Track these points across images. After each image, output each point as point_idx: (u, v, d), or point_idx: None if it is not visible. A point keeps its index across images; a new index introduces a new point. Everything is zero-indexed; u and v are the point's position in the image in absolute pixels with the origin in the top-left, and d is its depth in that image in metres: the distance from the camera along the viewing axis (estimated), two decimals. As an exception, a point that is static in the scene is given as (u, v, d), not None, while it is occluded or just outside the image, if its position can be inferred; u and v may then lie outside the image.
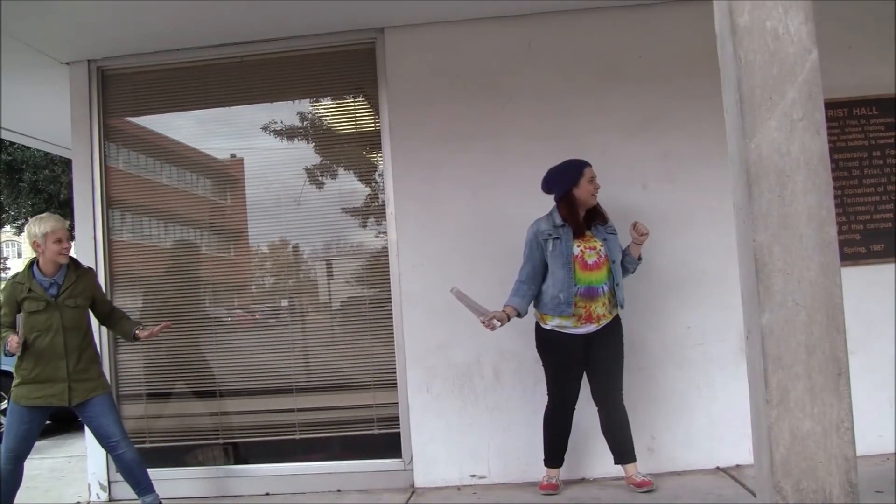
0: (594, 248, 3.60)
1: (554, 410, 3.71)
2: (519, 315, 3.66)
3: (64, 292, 3.47)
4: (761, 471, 1.96)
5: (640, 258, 3.71)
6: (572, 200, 3.64)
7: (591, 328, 3.59)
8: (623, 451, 3.67)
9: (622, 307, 3.66)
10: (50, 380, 3.43)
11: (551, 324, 3.64)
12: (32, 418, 3.48)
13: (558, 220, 3.65)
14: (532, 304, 3.71)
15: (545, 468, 3.77)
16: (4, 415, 6.94)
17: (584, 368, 3.67)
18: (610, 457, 3.74)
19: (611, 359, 3.65)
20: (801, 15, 1.92)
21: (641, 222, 3.61)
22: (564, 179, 3.66)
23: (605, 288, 3.58)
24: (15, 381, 3.45)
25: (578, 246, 3.60)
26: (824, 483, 1.85)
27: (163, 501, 3.70)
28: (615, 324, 3.68)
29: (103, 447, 3.68)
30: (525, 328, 4.10)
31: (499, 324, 3.58)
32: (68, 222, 3.70)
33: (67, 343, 3.44)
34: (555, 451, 3.74)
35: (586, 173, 3.64)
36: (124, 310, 3.91)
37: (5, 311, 3.43)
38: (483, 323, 3.58)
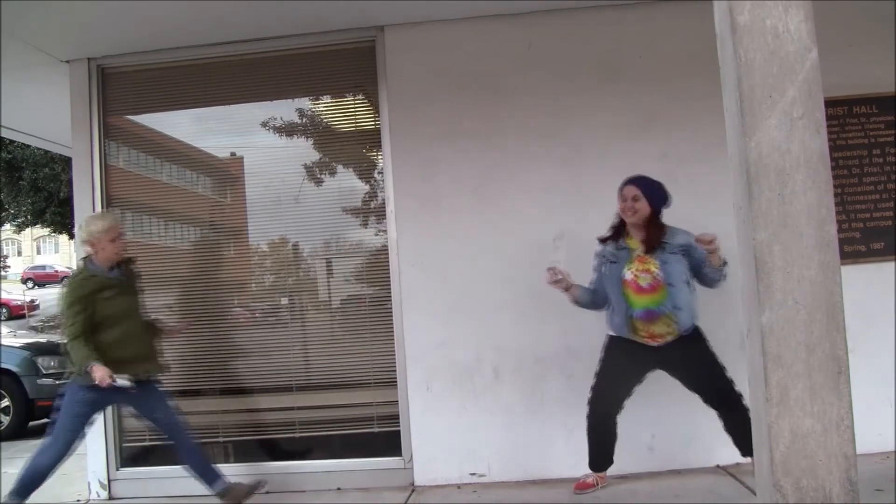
0: (649, 272, 3.44)
1: (593, 415, 3.62)
2: (577, 300, 3.61)
3: (126, 281, 3.69)
4: (761, 469, 1.97)
5: (723, 263, 3.38)
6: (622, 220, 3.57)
7: (658, 342, 3.48)
8: (747, 444, 3.60)
9: (685, 330, 3.45)
10: (131, 361, 3.54)
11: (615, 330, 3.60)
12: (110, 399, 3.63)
13: (622, 242, 3.55)
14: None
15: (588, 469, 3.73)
16: (5, 413, 7.01)
17: (638, 381, 3.57)
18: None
19: (703, 368, 3.48)
20: (801, 13, 1.92)
21: (704, 232, 3.29)
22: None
23: (666, 309, 3.42)
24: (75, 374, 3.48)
25: (631, 270, 3.48)
26: (824, 481, 1.86)
27: (164, 499, 3.69)
28: (690, 338, 3.47)
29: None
30: (525, 328, 4.11)
31: (556, 277, 3.51)
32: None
33: (140, 326, 3.71)
34: (598, 455, 3.68)
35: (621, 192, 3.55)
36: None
37: (80, 309, 3.46)
38: (549, 271, 3.53)
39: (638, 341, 3.50)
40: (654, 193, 3.49)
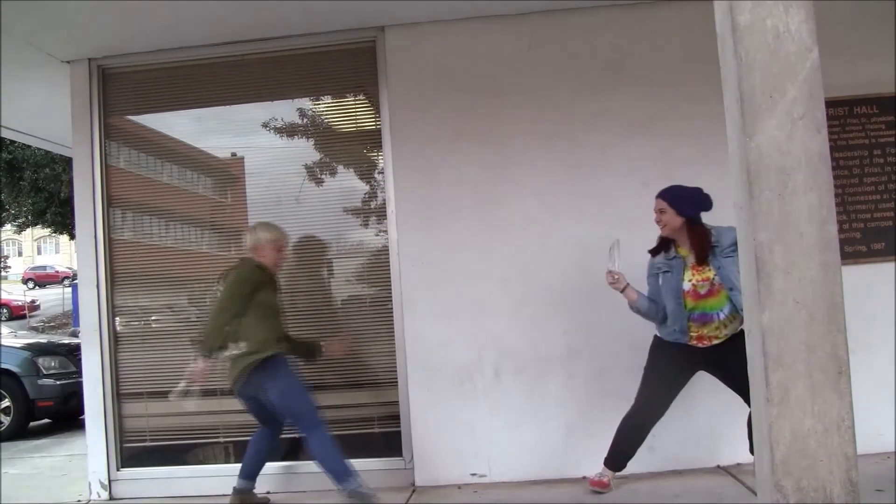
0: (707, 279, 3.39)
1: (634, 414, 3.59)
2: (637, 306, 3.54)
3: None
4: (762, 469, 1.96)
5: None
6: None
7: (704, 344, 3.45)
8: None
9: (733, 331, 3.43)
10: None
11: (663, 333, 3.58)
12: None
13: (672, 252, 3.50)
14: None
15: (603, 465, 3.69)
16: (5, 414, 7.02)
17: (683, 385, 3.54)
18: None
19: (744, 366, 3.50)
20: (802, 13, 1.92)
21: (608, 274, 3.47)
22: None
23: (722, 315, 3.38)
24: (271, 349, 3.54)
25: (689, 279, 3.43)
26: (825, 482, 1.85)
27: (164, 500, 3.69)
28: (732, 337, 3.43)
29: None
30: (525, 328, 4.11)
31: (614, 278, 3.48)
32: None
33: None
34: (619, 454, 3.66)
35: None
36: (124, 309, 3.91)
37: (243, 294, 3.50)
38: (609, 272, 3.50)
39: (684, 343, 3.46)
40: (682, 202, 3.43)
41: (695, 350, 3.46)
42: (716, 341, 3.43)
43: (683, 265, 3.46)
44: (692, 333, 3.45)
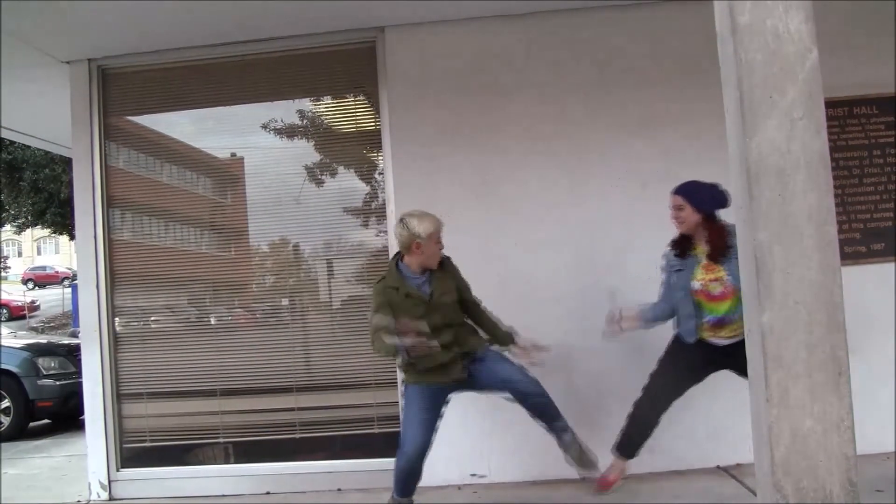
0: (719, 279, 3.32)
1: (643, 404, 3.55)
2: (647, 325, 3.55)
3: (436, 289, 3.27)
4: (762, 470, 1.97)
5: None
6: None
7: (725, 341, 3.40)
8: None
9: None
10: (440, 367, 3.24)
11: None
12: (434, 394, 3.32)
13: (689, 250, 3.44)
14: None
15: (612, 455, 3.64)
16: (5, 414, 7.02)
17: (699, 380, 3.51)
18: (609, 457, 3.73)
19: None
20: (802, 14, 1.92)
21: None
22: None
23: (737, 316, 3.25)
24: (403, 365, 3.28)
25: (700, 278, 3.38)
26: (825, 482, 1.86)
27: (164, 500, 3.68)
28: None
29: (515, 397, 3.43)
30: (525, 328, 4.10)
31: (623, 326, 3.50)
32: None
33: (453, 335, 3.26)
34: (629, 442, 3.60)
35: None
36: (124, 309, 3.90)
37: (385, 312, 3.16)
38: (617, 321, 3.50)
39: (704, 340, 3.42)
40: (700, 198, 3.36)
41: (716, 348, 3.41)
42: (737, 338, 3.33)
43: (696, 263, 3.41)
44: (707, 334, 3.40)
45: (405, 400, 3.34)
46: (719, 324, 3.37)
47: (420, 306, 3.19)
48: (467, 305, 3.48)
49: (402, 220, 3.27)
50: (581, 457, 3.46)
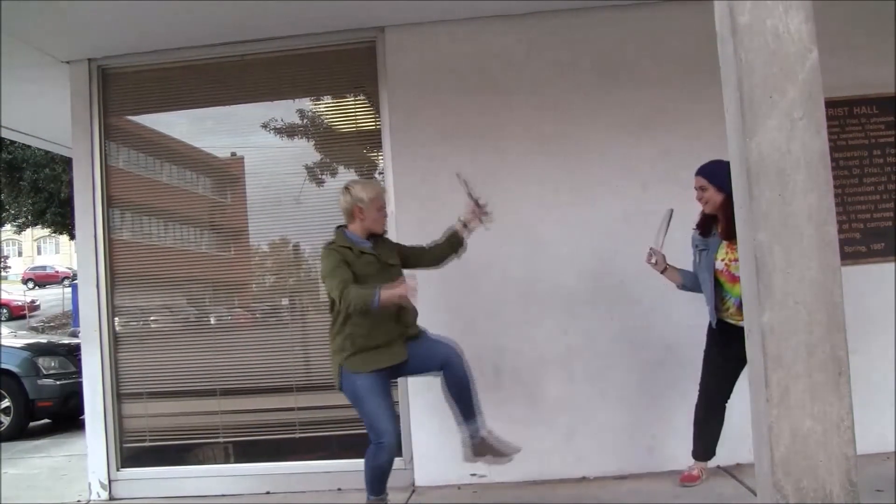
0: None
1: (704, 406, 3.59)
2: (683, 285, 3.58)
3: (381, 254, 3.30)
4: (762, 470, 1.96)
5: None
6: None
7: None
8: None
9: None
10: (386, 345, 3.22)
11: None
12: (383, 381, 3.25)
13: (713, 230, 3.48)
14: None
15: (692, 458, 3.69)
16: (5, 414, 7.02)
17: (743, 364, 3.54)
18: (609, 456, 3.74)
19: None
20: (802, 14, 1.92)
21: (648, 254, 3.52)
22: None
23: None
24: (347, 352, 3.19)
25: (722, 258, 3.42)
26: (825, 482, 1.85)
27: (164, 500, 3.68)
28: None
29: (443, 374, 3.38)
30: (526, 327, 4.11)
31: (651, 260, 3.51)
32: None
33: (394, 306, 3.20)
34: (703, 444, 3.65)
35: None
36: (124, 309, 3.90)
37: (343, 267, 3.12)
38: (650, 251, 3.52)
39: (735, 324, 3.41)
40: (721, 177, 3.29)
41: (741, 329, 3.43)
42: None
43: (719, 243, 3.44)
44: (737, 317, 3.38)
45: (359, 395, 3.23)
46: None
47: (374, 264, 3.23)
48: (415, 255, 3.52)
49: (345, 187, 3.36)
50: (481, 445, 3.40)
